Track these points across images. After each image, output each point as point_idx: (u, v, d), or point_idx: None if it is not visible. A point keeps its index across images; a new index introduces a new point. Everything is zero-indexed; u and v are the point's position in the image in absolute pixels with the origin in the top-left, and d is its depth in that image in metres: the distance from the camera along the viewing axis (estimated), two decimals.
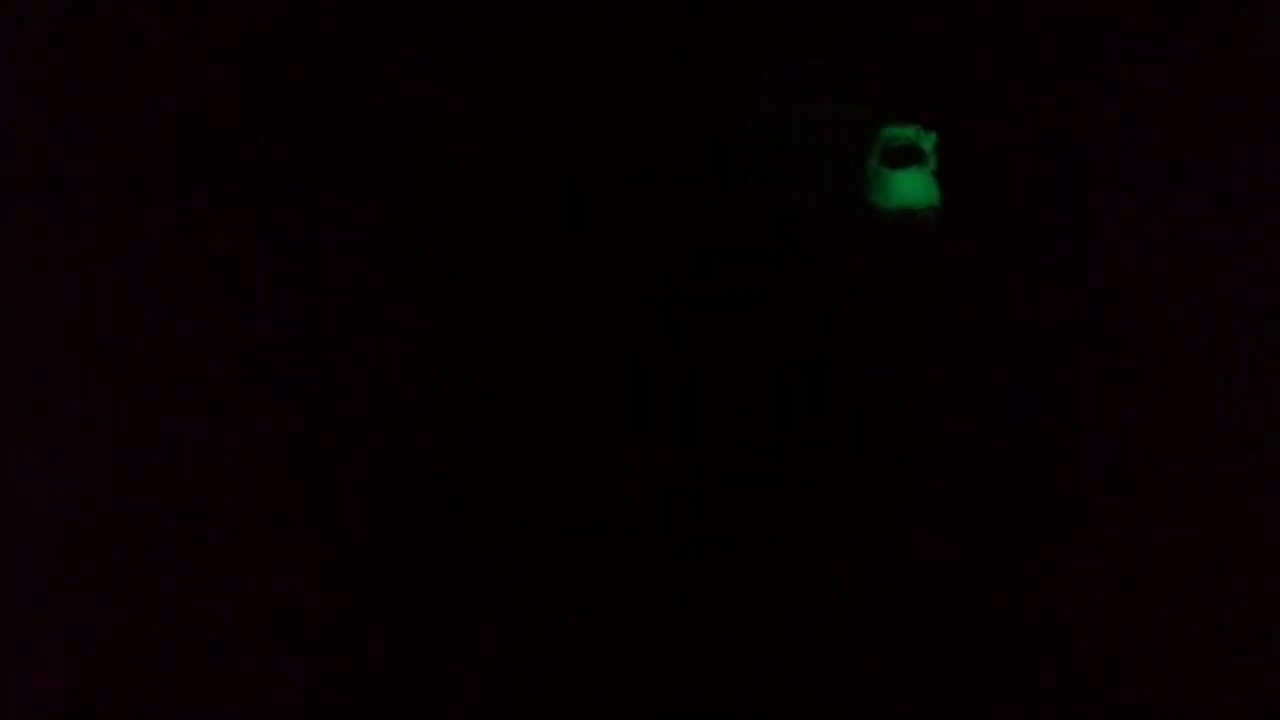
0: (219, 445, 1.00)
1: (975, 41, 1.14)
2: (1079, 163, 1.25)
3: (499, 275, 1.12)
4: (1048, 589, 1.27)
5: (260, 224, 0.83)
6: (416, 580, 0.97)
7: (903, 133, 0.58)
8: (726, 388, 1.27)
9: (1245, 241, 1.22)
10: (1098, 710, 1.08)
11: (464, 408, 1.18)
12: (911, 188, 0.46)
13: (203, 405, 1.03)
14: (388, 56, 0.85)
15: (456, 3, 0.82)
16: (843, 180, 0.83)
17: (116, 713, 0.61)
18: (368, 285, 1.06)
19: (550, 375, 1.19)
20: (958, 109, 1.21)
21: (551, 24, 0.88)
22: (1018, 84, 1.20)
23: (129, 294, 0.86)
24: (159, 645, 0.67)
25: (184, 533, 0.98)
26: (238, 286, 0.82)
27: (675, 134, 1.14)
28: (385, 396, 1.14)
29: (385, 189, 0.93)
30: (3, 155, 0.79)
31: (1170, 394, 1.33)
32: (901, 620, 1.19)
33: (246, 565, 1.00)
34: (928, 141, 0.53)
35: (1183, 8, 1.11)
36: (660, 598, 1.19)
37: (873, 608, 1.20)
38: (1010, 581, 1.27)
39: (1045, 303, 1.31)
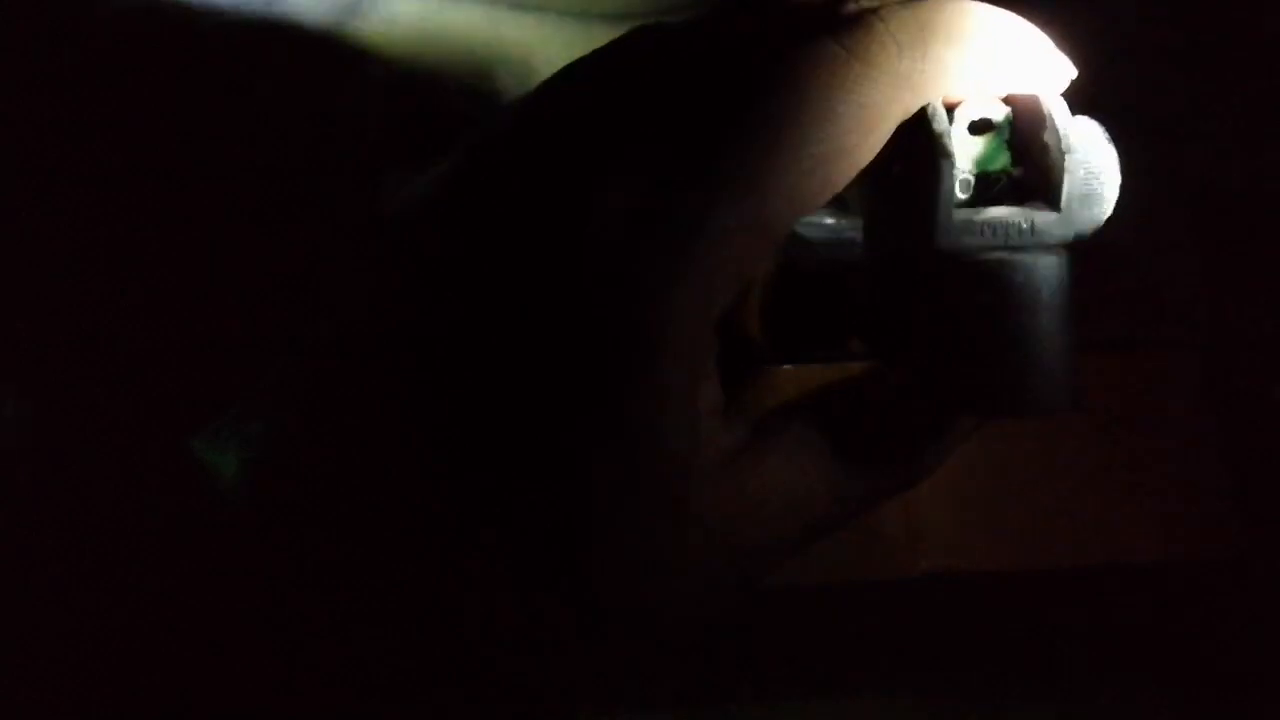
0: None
1: None
2: None
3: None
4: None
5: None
6: (416, 579, 0.96)
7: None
8: None
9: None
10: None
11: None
12: (988, 153, 0.46)
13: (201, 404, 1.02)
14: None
15: None
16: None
17: (112, 712, 0.61)
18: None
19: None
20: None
21: None
22: None
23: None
24: (153, 645, 0.67)
25: (179, 531, 0.97)
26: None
27: None
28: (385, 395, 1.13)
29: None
30: None
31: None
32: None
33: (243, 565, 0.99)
34: (1000, 113, 0.54)
35: None
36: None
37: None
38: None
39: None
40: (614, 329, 0.30)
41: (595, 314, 0.30)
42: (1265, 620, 0.86)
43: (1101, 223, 0.34)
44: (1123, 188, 0.34)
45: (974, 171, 0.33)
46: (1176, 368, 0.79)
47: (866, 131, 0.31)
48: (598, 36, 0.64)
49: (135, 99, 0.84)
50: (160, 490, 0.80)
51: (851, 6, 0.33)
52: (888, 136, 0.31)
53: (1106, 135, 0.34)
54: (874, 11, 0.32)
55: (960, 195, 0.32)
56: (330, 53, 0.84)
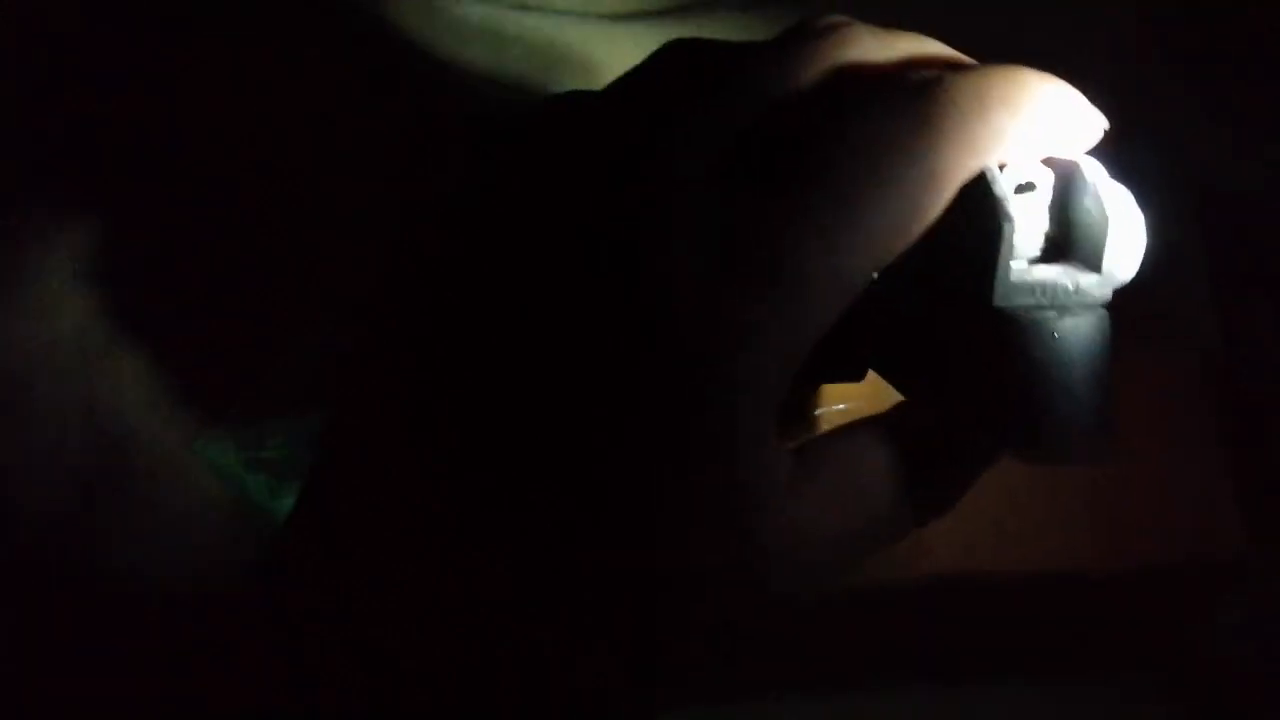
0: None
1: None
2: None
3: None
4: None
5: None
6: (416, 580, 0.95)
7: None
8: None
9: None
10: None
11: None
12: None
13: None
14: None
15: None
16: None
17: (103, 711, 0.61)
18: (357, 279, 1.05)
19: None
20: None
21: None
22: None
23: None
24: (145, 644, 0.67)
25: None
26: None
27: None
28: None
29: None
30: None
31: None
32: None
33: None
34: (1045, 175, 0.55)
35: None
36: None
37: None
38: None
39: None
40: (699, 371, 0.31)
41: (679, 353, 0.31)
42: (1265, 620, 0.86)
43: (1128, 281, 0.36)
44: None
45: (1040, 235, 0.35)
46: (1176, 369, 0.79)
47: (933, 193, 0.32)
48: (644, 40, 0.64)
49: (137, 99, 0.83)
50: (161, 489, 0.80)
51: (914, 75, 0.34)
52: (951, 197, 0.33)
53: (1134, 201, 0.35)
54: (937, 80, 0.33)
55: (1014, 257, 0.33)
56: (354, 53, 0.84)
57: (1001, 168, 0.34)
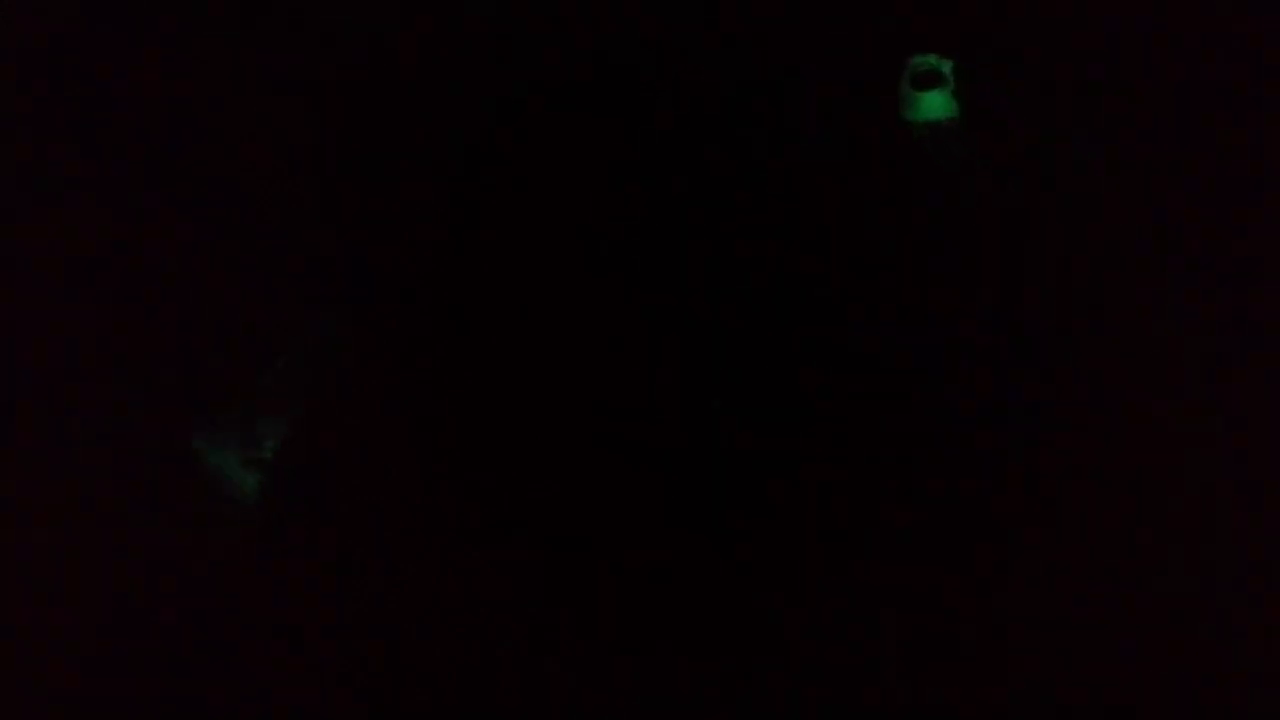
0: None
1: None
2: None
3: (508, 255, 1.11)
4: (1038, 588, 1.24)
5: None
6: (418, 579, 0.96)
7: (926, 59, 0.63)
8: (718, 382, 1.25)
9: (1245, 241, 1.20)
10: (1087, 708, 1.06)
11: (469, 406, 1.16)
12: (935, 105, 0.50)
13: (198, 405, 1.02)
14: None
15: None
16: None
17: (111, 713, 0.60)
18: (361, 280, 1.05)
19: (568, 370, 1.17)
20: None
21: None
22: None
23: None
24: (156, 645, 0.67)
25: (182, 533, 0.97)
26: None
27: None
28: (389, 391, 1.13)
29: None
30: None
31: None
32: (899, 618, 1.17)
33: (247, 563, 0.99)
34: (946, 66, 0.57)
35: None
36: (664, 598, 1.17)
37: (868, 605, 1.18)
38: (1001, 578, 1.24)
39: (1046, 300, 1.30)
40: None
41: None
42: (1265, 620, 0.86)
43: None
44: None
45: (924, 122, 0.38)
46: (1179, 370, 0.79)
47: None
48: None
49: (137, 99, 0.83)
50: (164, 488, 0.80)
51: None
52: None
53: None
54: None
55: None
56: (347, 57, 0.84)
57: (904, 66, 0.38)
